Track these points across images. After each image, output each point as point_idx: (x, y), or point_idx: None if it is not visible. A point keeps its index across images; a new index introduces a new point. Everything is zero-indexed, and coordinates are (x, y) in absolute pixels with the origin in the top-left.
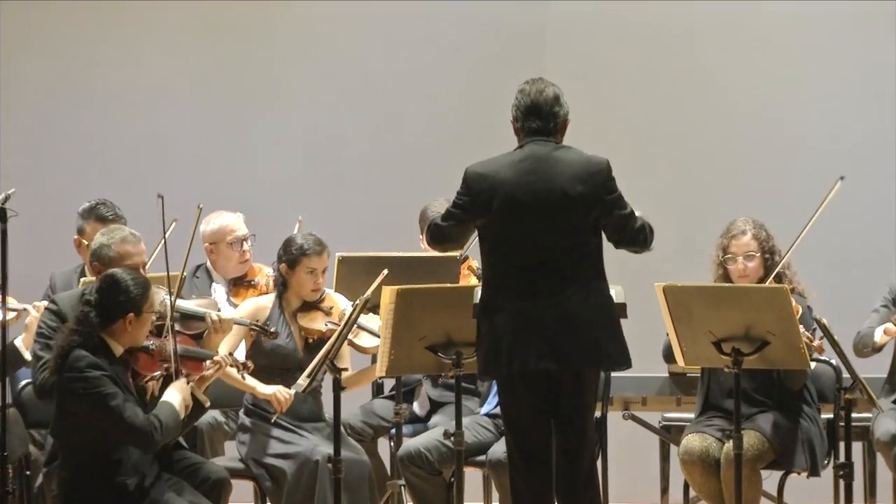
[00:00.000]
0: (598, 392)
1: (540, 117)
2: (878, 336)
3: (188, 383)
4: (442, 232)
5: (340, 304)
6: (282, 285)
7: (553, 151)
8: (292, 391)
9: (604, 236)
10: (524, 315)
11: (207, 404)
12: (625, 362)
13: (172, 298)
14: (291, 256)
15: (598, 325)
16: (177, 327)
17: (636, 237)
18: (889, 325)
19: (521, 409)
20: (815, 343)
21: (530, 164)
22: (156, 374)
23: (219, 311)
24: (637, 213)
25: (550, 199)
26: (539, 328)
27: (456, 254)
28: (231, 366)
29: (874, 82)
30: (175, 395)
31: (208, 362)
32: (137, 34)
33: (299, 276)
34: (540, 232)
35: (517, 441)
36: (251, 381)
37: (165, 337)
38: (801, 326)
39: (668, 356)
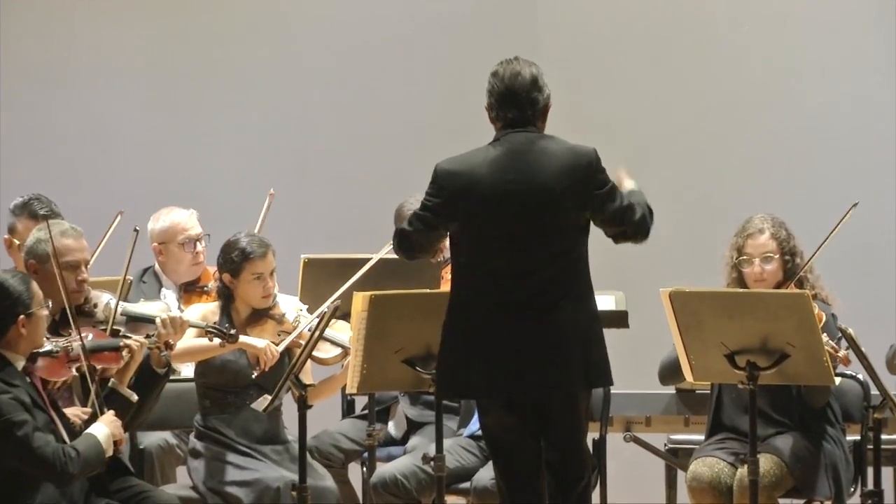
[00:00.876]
0: (596, 410)
1: (516, 105)
2: None
3: (109, 382)
4: (410, 239)
5: (292, 311)
6: (227, 297)
7: (534, 143)
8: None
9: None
10: (505, 332)
11: (134, 398)
12: (609, 381)
13: (116, 303)
14: (233, 264)
15: (588, 343)
16: (124, 331)
17: (638, 230)
18: None
19: (506, 429)
20: (841, 353)
21: (509, 158)
22: (66, 377)
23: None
24: (632, 195)
25: (533, 197)
26: (523, 348)
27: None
28: (149, 347)
29: None
30: (101, 428)
31: (125, 352)
32: (77, 5)
33: (245, 285)
34: (523, 235)
35: (503, 465)
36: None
37: (69, 334)
38: (824, 335)
39: (666, 376)
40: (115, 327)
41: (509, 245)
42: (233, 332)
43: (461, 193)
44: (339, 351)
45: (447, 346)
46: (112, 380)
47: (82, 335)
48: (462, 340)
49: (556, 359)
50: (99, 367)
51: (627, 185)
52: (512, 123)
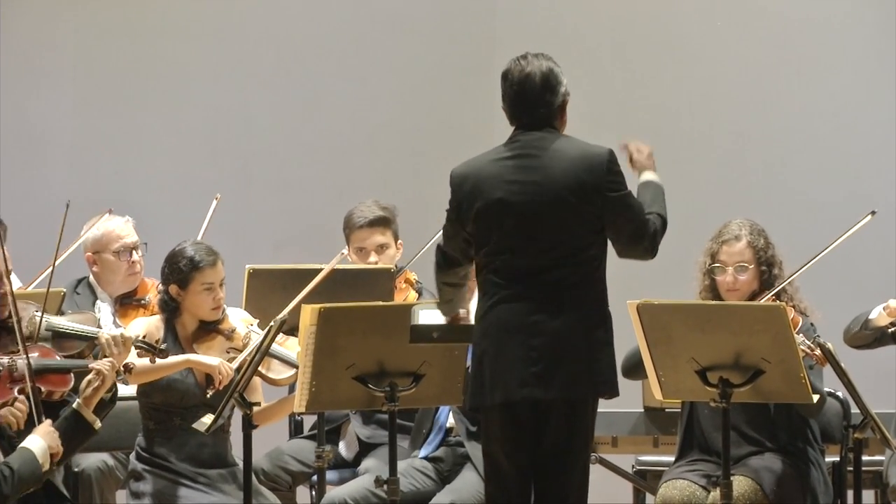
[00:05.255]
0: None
1: (527, 109)
2: (876, 314)
3: (76, 403)
4: (444, 255)
5: (243, 324)
6: (173, 310)
7: (545, 143)
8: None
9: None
10: (511, 333)
11: (97, 425)
12: (615, 389)
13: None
14: (181, 274)
15: (595, 347)
16: (48, 347)
17: (649, 248)
18: (892, 302)
19: (503, 444)
20: (817, 353)
21: (520, 159)
22: (7, 399)
23: (100, 327)
24: (647, 188)
25: (543, 198)
26: (526, 349)
27: (390, 266)
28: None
29: (890, 59)
30: (37, 441)
31: (92, 375)
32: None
33: (194, 296)
34: (536, 235)
35: (499, 487)
36: (183, 357)
37: (16, 352)
38: (800, 336)
39: (629, 369)
40: (39, 343)
41: (523, 245)
42: (163, 346)
43: (471, 195)
44: (292, 371)
45: (473, 355)
46: (77, 401)
47: (28, 354)
48: (481, 346)
49: (565, 364)
50: (44, 389)
51: (645, 176)
52: (526, 126)
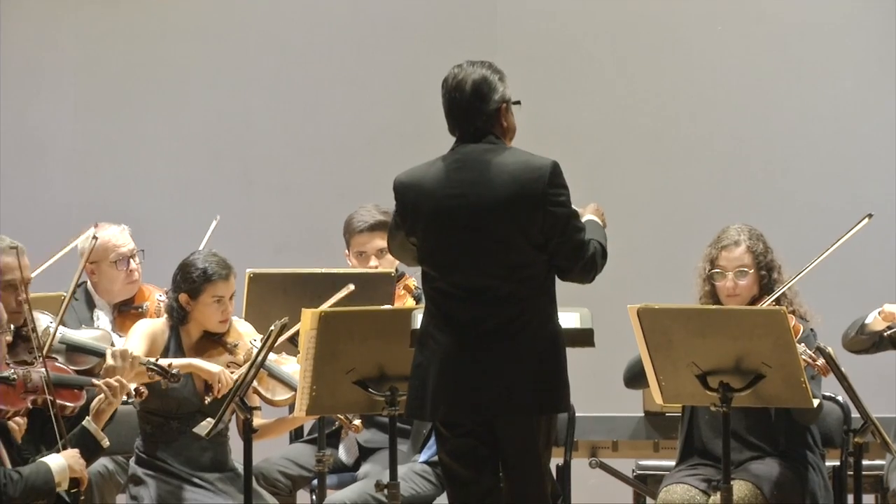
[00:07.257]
0: (559, 434)
1: (459, 120)
2: (871, 319)
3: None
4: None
5: (247, 339)
6: (180, 317)
7: (483, 155)
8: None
9: None
10: (457, 351)
11: (106, 443)
12: (560, 407)
13: (55, 325)
14: (193, 284)
15: (544, 366)
16: (60, 361)
17: (587, 270)
18: (886, 307)
19: (457, 455)
20: (819, 362)
21: (455, 171)
22: (19, 408)
23: (113, 345)
24: (589, 228)
25: (482, 210)
26: (473, 370)
27: (390, 271)
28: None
29: (890, 63)
30: (56, 459)
31: (103, 393)
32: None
33: (204, 307)
34: (474, 251)
35: (456, 495)
36: (185, 361)
37: (31, 364)
38: (802, 345)
39: (632, 379)
40: (52, 355)
41: (462, 261)
42: (175, 372)
43: (413, 206)
44: (291, 393)
45: (413, 365)
46: (87, 418)
47: (47, 366)
48: (420, 358)
49: (504, 382)
50: (57, 402)
51: (587, 216)
52: (465, 137)
